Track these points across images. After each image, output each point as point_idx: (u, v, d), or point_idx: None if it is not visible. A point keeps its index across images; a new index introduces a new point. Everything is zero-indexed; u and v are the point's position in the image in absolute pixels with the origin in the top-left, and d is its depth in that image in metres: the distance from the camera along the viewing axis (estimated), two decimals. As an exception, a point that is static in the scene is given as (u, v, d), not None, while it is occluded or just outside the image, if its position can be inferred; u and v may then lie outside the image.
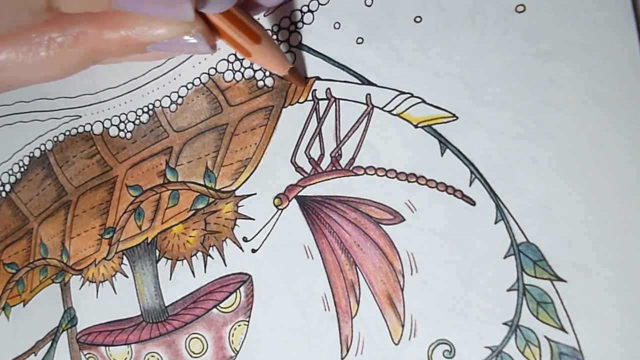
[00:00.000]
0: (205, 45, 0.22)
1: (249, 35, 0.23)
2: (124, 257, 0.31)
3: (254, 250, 0.27)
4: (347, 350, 0.25)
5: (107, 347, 0.31)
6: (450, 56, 0.24)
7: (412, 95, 0.24)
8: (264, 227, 0.27)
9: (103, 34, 0.22)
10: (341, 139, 0.25)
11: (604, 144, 0.21)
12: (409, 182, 0.24)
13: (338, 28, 0.26)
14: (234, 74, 0.28)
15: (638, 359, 0.20)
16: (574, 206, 0.22)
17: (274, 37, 0.27)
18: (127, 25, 0.22)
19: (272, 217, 0.27)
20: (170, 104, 0.30)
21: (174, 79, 0.29)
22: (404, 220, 0.24)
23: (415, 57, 0.24)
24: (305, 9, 0.26)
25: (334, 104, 0.26)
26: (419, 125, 0.24)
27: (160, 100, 0.30)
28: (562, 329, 0.22)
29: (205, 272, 0.29)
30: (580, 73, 0.22)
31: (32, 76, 0.23)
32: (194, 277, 0.29)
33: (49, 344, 0.33)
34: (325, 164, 0.26)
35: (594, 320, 0.21)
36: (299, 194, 0.26)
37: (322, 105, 0.26)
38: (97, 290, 0.32)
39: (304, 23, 0.26)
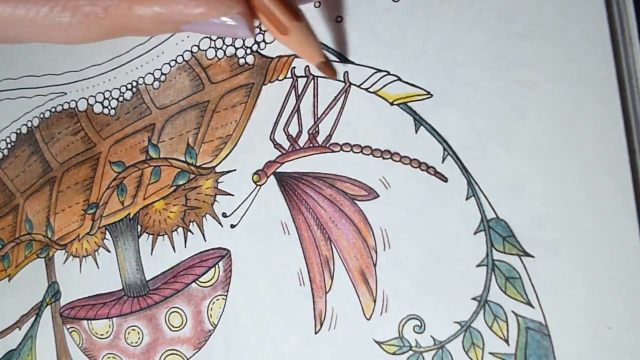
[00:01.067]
0: (245, 28, 0.21)
1: (290, 10, 0.22)
2: (107, 232, 0.31)
3: (232, 226, 0.28)
4: (321, 325, 0.25)
5: (89, 321, 0.31)
6: (427, 36, 0.24)
7: (389, 73, 0.24)
8: (242, 203, 0.27)
9: (135, 9, 0.20)
10: (319, 116, 0.26)
11: (574, 124, 0.21)
12: (383, 158, 0.24)
13: (318, 7, 0.26)
14: (216, 51, 0.28)
15: (602, 333, 0.21)
16: (543, 184, 0.22)
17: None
18: (162, 2, 0.20)
19: (250, 193, 0.27)
20: (153, 81, 0.30)
21: (157, 56, 0.30)
22: (378, 196, 0.25)
23: (392, 36, 0.24)
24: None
25: (313, 81, 0.26)
26: (395, 102, 0.24)
27: (143, 78, 0.30)
28: (529, 304, 0.22)
29: (185, 247, 0.29)
30: (553, 53, 0.22)
31: (46, 36, 0.22)
32: (175, 252, 0.29)
33: (33, 318, 0.34)
34: (302, 140, 0.26)
35: (560, 296, 0.21)
36: (277, 170, 0.27)
37: (301, 82, 0.26)
38: (81, 265, 0.32)
39: (284, 1, 0.26)
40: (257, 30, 0.27)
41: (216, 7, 0.20)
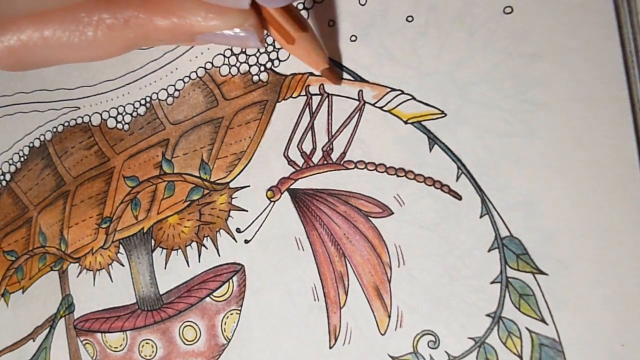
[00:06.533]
0: (256, 40, 0.22)
1: (297, 22, 0.23)
2: (121, 246, 0.31)
3: (246, 241, 0.28)
4: (335, 340, 0.26)
5: (103, 334, 0.32)
6: (440, 56, 0.24)
7: (403, 92, 0.25)
8: (256, 218, 0.28)
9: (154, 20, 0.21)
10: (333, 133, 0.26)
11: (585, 143, 0.22)
12: (398, 176, 0.25)
13: (332, 26, 0.26)
14: (229, 68, 0.29)
15: (615, 350, 0.21)
16: (556, 202, 0.22)
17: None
18: (179, 14, 0.21)
19: (264, 209, 0.27)
20: (167, 96, 0.30)
21: (171, 72, 0.30)
22: (393, 213, 0.25)
23: (406, 56, 0.25)
24: (300, 6, 0.27)
25: (327, 99, 0.26)
26: (409, 121, 0.25)
27: (157, 93, 0.30)
28: (543, 320, 0.22)
29: (199, 261, 0.29)
30: (564, 73, 0.22)
31: (75, 55, 0.22)
32: (189, 266, 0.30)
33: (47, 330, 0.34)
34: (316, 157, 0.26)
35: (574, 313, 0.22)
36: (291, 186, 0.27)
37: (315, 100, 0.27)
38: (94, 278, 0.32)
39: (298, 20, 0.27)
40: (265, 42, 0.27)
41: (231, 19, 0.21)
